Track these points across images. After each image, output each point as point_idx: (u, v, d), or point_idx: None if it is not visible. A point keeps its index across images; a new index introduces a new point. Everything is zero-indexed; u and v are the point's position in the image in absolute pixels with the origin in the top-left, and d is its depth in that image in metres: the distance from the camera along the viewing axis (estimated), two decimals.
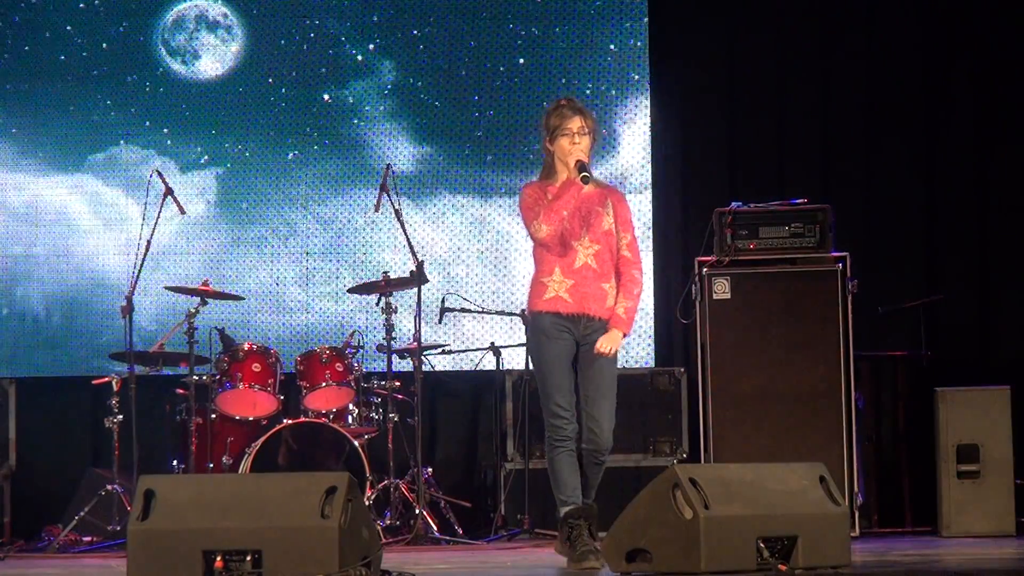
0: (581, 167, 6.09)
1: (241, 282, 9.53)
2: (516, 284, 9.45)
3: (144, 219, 8.36)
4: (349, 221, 9.70)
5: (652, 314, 9.41)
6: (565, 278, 6.14)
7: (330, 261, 9.65)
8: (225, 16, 9.98)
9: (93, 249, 9.60)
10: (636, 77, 9.62)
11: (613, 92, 9.65)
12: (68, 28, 9.93)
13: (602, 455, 6.18)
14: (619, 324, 6.20)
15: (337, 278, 9.56)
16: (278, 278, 9.62)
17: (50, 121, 9.89)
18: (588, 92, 9.59)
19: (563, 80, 9.71)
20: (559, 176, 6.19)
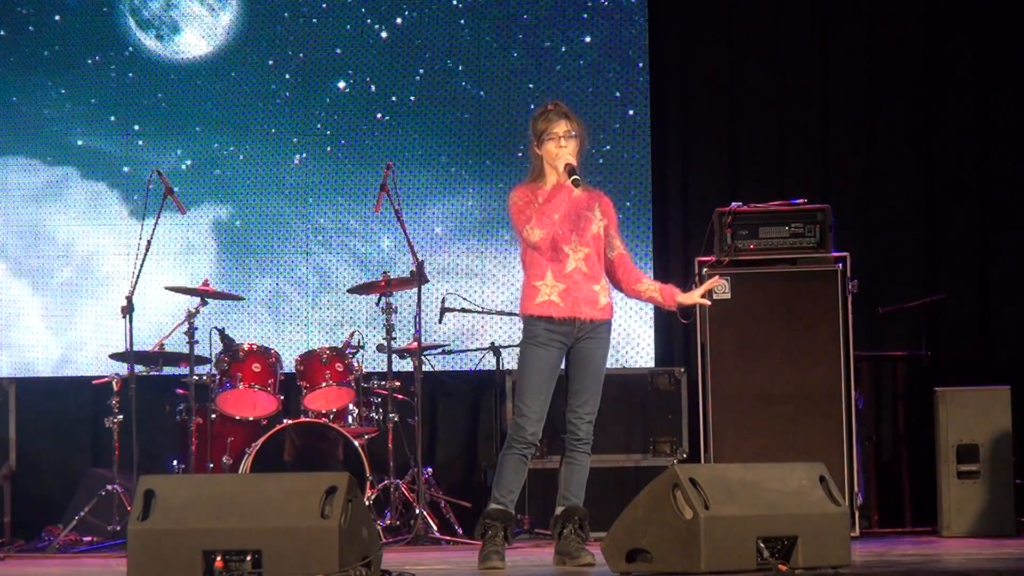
0: (571, 171, 6.13)
1: (241, 282, 9.34)
2: (517, 284, 9.40)
3: (144, 218, 8.26)
4: (353, 221, 9.11)
5: (652, 314, 9.41)
6: (557, 282, 6.18)
7: (330, 261, 9.34)
8: None
9: (94, 248, 9.30)
10: (636, 77, 9.40)
11: (616, 93, 9.36)
12: None
13: (581, 447, 6.22)
14: (669, 290, 6.37)
15: (337, 278, 9.46)
16: (278, 278, 9.34)
17: None
18: (590, 91, 9.44)
19: (563, 78, 9.29)
20: (548, 180, 6.22)
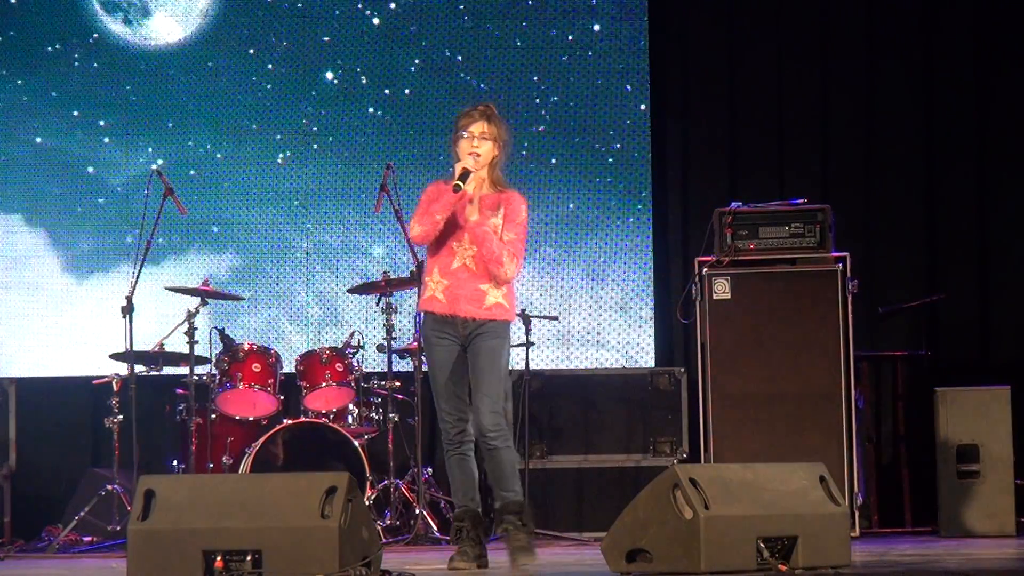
0: (463, 175, 6.01)
1: (240, 282, 9.26)
2: (517, 285, 9.32)
3: (144, 219, 8.13)
4: (342, 223, 8.81)
5: (652, 314, 9.40)
6: (442, 278, 6.16)
7: (319, 265, 9.10)
8: None
9: (93, 247, 9.14)
10: (636, 77, 9.26)
11: (627, 87, 9.14)
12: None
13: (490, 440, 6.10)
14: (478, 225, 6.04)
15: (337, 278, 9.39)
16: (277, 278, 9.22)
17: None
18: (599, 83, 9.09)
19: (570, 70, 8.86)
20: None
